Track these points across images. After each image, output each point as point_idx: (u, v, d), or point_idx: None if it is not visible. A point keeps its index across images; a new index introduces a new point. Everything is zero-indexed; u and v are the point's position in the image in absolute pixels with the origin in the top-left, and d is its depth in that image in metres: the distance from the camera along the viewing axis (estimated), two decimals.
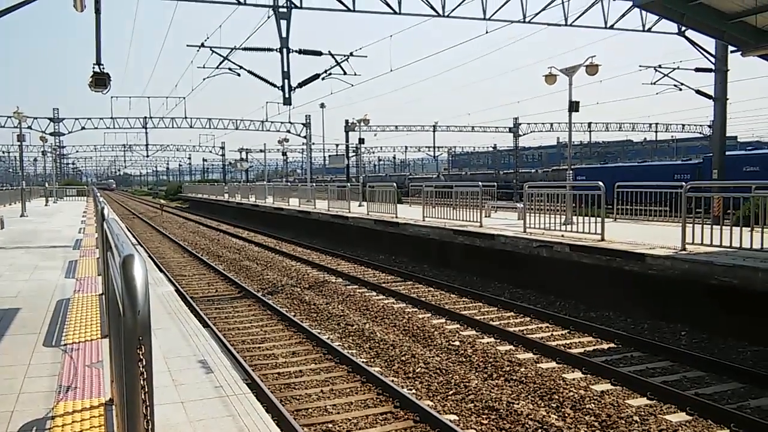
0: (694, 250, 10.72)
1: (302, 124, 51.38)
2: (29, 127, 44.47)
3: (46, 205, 37.03)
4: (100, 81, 14.16)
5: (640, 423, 6.27)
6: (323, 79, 22.62)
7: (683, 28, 18.71)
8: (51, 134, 49.01)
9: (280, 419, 6.13)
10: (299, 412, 6.87)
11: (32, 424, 3.87)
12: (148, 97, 73.78)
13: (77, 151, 75.44)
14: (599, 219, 12.88)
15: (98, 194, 14.69)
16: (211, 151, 74.82)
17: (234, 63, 22.18)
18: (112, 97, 50.35)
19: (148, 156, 71.29)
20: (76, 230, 18.18)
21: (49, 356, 5.34)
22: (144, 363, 2.00)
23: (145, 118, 51.71)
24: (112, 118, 50.21)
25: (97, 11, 13.77)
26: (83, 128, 50.33)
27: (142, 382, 2.00)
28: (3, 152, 77.67)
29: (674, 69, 25.77)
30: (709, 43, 19.50)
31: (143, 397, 2.00)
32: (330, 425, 6.51)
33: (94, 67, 14.28)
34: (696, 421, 6.39)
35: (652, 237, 12.90)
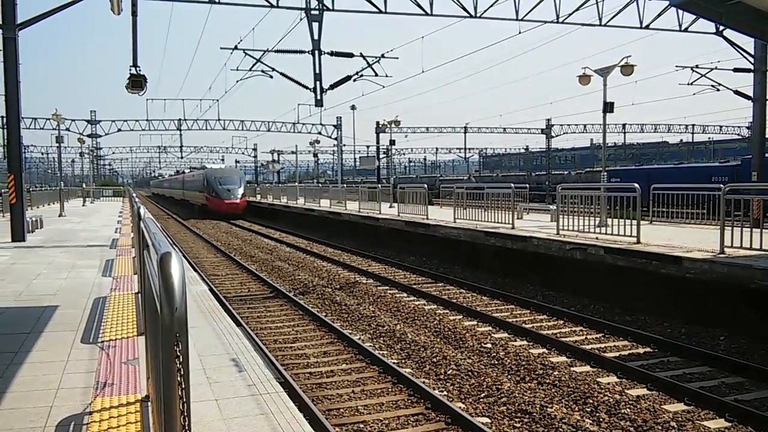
0: (733, 253, 10.49)
1: (333, 125, 51.75)
2: (67, 129, 45.56)
3: (83, 205, 37.82)
4: (137, 83, 14.46)
5: (677, 429, 6.14)
6: (355, 80, 22.74)
7: (721, 28, 18.32)
8: (88, 136, 50.02)
9: (312, 419, 6.14)
10: (331, 411, 6.88)
11: (70, 419, 3.94)
12: (183, 100, 75.21)
13: (113, 153, 77.15)
14: (634, 221, 12.67)
15: (134, 195, 14.91)
16: (243, 153, 75.66)
17: (266, 65, 22.44)
18: (147, 100, 51.17)
19: (182, 157, 72.54)
20: (112, 230, 18.52)
21: (86, 353, 5.44)
22: (181, 359, 2.01)
23: (180, 120, 52.72)
24: (147, 120, 51.15)
25: (134, 14, 14.09)
26: (119, 130, 51.29)
27: (179, 379, 2.01)
28: (42, 153, 79.67)
29: (712, 69, 25.24)
30: (748, 43, 19.10)
31: (180, 393, 2.01)
32: (361, 425, 6.51)
33: (130, 69, 14.57)
34: (735, 427, 6.24)
35: (689, 240, 12.66)
